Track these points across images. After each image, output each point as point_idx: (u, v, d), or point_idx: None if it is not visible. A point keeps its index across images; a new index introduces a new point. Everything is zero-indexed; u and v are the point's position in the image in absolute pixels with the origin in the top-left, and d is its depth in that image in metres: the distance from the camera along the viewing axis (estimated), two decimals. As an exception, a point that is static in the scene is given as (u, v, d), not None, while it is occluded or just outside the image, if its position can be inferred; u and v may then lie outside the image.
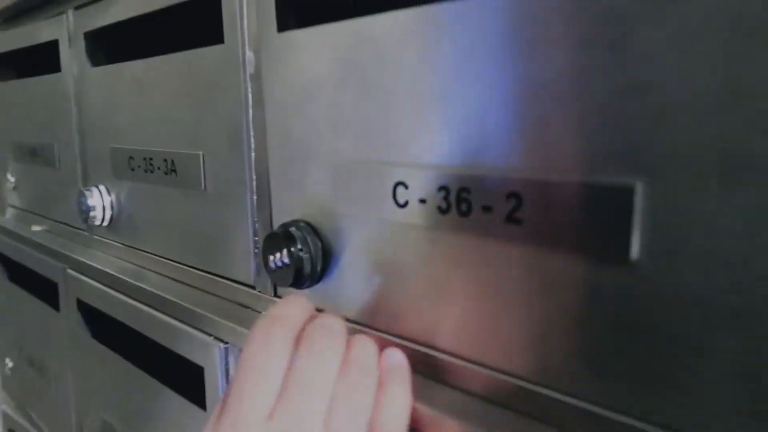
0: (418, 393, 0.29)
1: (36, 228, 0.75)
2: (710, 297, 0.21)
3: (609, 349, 0.24)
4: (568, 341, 0.25)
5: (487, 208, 0.26)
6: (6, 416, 0.89)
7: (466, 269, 0.28)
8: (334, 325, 0.29)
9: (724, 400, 0.21)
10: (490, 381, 0.28)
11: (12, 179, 0.81)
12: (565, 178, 0.24)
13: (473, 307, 0.28)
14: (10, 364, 0.85)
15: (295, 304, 0.30)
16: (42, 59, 0.68)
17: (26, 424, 0.84)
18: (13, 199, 0.82)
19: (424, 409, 0.28)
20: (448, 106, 0.28)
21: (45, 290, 0.70)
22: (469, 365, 0.29)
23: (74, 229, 0.67)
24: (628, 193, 0.22)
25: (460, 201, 0.27)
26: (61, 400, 0.69)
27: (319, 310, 0.33)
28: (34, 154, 0.73)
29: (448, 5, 0.27)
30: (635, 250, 0.22)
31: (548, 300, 0.25)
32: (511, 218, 0.25)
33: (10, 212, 0.84)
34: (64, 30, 0.61)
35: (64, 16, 0.61)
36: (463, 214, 0.27)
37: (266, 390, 0.26)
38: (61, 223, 0.70)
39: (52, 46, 0.64)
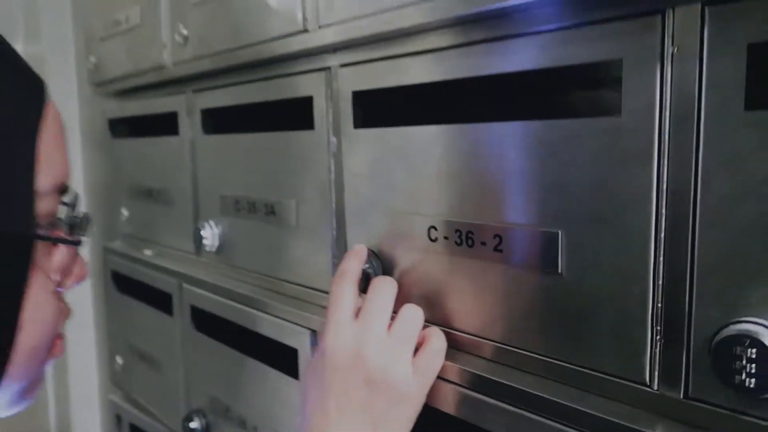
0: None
1: (148, 252, 0.97)
2: (599, 290, 0.39)
3: (550, 323, 0.42)
4: (527, 320, 0.44)
5: (482, 243, 0.45)
6: (114, 404, 1.11)
7: (471, 279, 0.47)
8: (388, 280, 0.49)
9: (608, 348, 0.39)
10: (484, 346, 0.47)
11: (126, 213, 1.03)
12: (523, 227, 0.43)
13: (474, 301, 0.47)
14: (120, 361, 1.07)
15: (354, 257, 0.52)
16: (155, 123, 0.90)
17: (133, 409, 1.04)
18: (125, 229, 1.04)
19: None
20: (459, 184, 0.47)
21: (158, 300, 0.91)
22: (472, 337, 0.48)
23: (184, 253, 0.88)
24: (556, 236, 0.41)
25: (467, 238, 0.46)
26: (171, 384, 0.90)
27: (381, 306, 0.52)
28: (149, 195, 0.94)
29: (458, 126, 0.46)
30: (561, 266, 0.41)
31: (516, 296, 0.44)
32: (496, 248, 0.45)
33: (121, 240, 1.06)
34: (183, 105, 0.83)
35: (184, 95, 0.82)
36: (469, 246, 0.46)
37: (348, 307, 0.48)
38: (171, 248, 0.91)
39: (170, 117, 0.86)
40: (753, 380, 0.32)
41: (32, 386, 0.42)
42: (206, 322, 0.81)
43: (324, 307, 0.61)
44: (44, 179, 0.36)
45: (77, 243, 0.41)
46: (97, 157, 1.10)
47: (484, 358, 0.48)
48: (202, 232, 0.79)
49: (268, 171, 0.69)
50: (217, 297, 0.77)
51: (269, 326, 0.67)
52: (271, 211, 0.69)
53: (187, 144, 0.83)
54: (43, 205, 0.37)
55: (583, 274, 0.40)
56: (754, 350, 0.31)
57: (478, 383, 0.46)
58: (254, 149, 0.71)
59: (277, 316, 0.66)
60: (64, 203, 0.41)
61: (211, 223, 0.79)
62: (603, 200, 0.38)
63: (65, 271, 0.42)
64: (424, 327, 0.50)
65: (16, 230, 0.35)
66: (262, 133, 0.69)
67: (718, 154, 0.33)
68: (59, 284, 0.42)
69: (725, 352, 0.32)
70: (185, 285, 0.84)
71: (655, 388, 0.37)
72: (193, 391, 0.85)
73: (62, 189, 0.39)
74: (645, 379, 0.38)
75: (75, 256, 0.43)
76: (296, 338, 0.63)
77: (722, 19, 0.33)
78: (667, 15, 0.35)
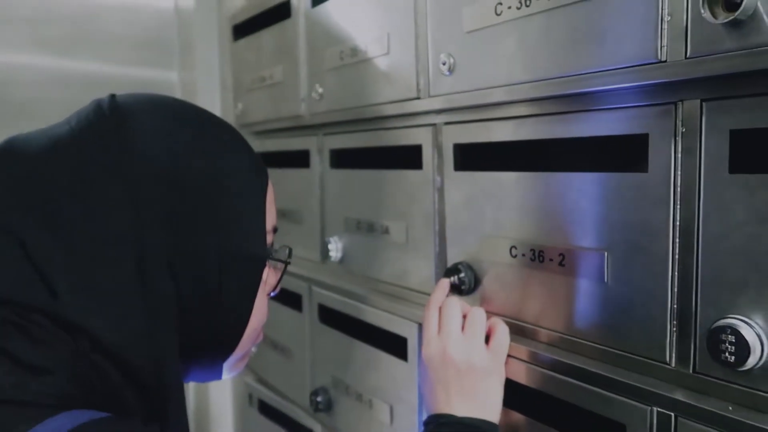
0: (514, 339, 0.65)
1: (279, 260, 1.20)
2: (633, 296, 0.55)
3: (598, 319, 0.58)
4: (581, 316, 0.60)
5: (550, 259, 0.62)
6: (247, 384, 1.35)
7: (541, 286, 0.64)
8: (454, 300, 0.67)
9: (639, 337, 0.55)
10: (550, 335, 0.64)
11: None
12: (581, 248, 0.59)
13: (543, 302, 0.64)
14: (254, 349, 1.30)
15: (439, 289, 0.70)
16: (288, 158, 1.13)
17: (262, 388, 1.28)
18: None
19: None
20: (533, 215, 0.64)
21: (290, 299, 1.13)
22: (540, 329, 0.65)
23: (311, 262, 1.09)
24: (603, 255, 0.57)
25: (539, 256, 0.63)
26: (299, 367, 1.12)
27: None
28: (284, 215, 1.17)
29: (531, 174, 0.63)
30: (606, 278, 0.57)
31: (573, 299, 0.60)
32: (560, 264, 0.61)
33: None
34: (315, 145, 1.05)
35: (316, 137, 1.04)
36: (540, 261, 0.63)
37: (433, 326, 0.67)
38: (301, 258, 1.13)
39: (303, 153, 1.08)
40: (733, 357, 0.47)
41: (244, 358, 0.63)
42: (330, 317, 1.02)
43: (418, 303, 0.80)
44: (268, 223, 0.57)
45: (286, 263, 0.62)
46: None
47: (549, 344, 0.64)
48: (329, 246, 1.00)
49: (383, 199, 0.89)
50: (339, 297, 0.97)
51: (382, 319, 0.87)
52: (386, 231, 0.88)
53: (317, 176, 1.05)
54: (268, 239, 0.57)
55: (622, 284, 0.56)
56: (733, 337, 0.46)
57: (545, 362, 0.62)
58: (372, 182, 0.91)
59: (389, 312, 0.86)
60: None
61: (336, 238, 1.00)
62: (636, 231, 0.54)
63: (274, 285, 0.62)
64: (490, 318, 0.67)
65: (257, 254, 0.55)
66: (380, 170, 0.89)
67: (712, 202, 0.49)
68: (269, 294, 0.62)
69: (715, 338, 0.48)
70: (313, 287, 1.05)
71: (672, 365, 0.53)
72: (318, 372, 1.06)
73: (275, 229, 0.60)
74: (666, 358, 0.53)
75: (281, 275, 0.63)
76: (406, 329, 0.82)
77: (713, 111, 0.48)
78: (678, 106, 0.50)
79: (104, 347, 0.45)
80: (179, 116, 0.54)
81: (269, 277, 0.60)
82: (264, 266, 0.56)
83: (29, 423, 0.39)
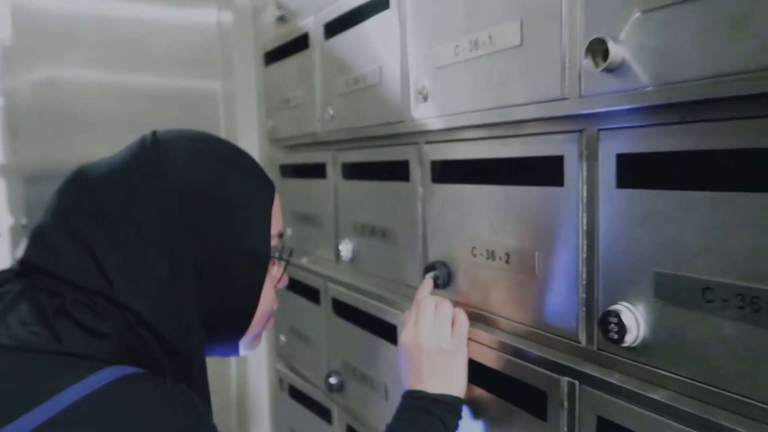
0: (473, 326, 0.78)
1: (303, 260, 1.36)
2: (557, 287, 0.67)
3: (529, 304, 0.71)
4: (518, 301, 0.72)
5: (499, 258, 0.75)
6: (278, 370, 1.52)
7: (494, 280, 0.77)
8: (429, 299, 0.80)
9: (559, 320, 0.67)
10: (496, 320, 0.76)
11: (289, 232, 1.43)
12: (519, 248, 0.71)
13: (496, 293, 0.77)
14: (283, 338, 1.47)
15: (424, 288, 0.83)
16: (310, 169, 1.29)
17: (292, 374, 1.44)
18: (288, 243, 1.44)
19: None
20: (485, 221, 0.77)
21: (310, 293, 1.29)
22: (493, 316, 0.77)
23: (328, 261, 1.25)
24: (534, 254, 0.69)
25: (492, 254, 0.76)
26: (317, 354, 1.27)
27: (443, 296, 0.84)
28: (306, 219, 1.33)
29: (484, 186, 0.76)
30: (538, 270, 0.69)
31: (516, 290, 0.73)
32: (507, 261, 0.74)
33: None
34: (330, 159, 1.20)
35: (330, 152, 1.20)
36: (493, 260, 0.76)
37: (411, 320, 0.79)
38: (319, 257, 1.28)
39: (321, 166, 1.24)
40: (616, 335, 0.58)
41: (256, 339, 0.78)
42: (342, 310, 1.17)
43: (410, 297, 0.94)
44: (274, 229, 0.72)
45: (287, 261, 0.77)
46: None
47: (497, 328, 0.77)
48: (340, 247, 1.15)
49: (382, 207, 1.03)
50: (350, 292, 1.12)
51: (380, 310, 1.01)
52: (383, 234, 1.03)
53: (332, 185, 1.20)
54: (273, 242, 0.73)
55: (548, 277, 0.68)
56: (616, 319, 0.58)
57: (493, 343, 0.75)
58: (374, 191, 1.06)
59: (385, 304, 1.00)
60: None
61: (346, 240, 1.15)
62: (556, 234, 0.66)
63: (278, 278, 0.78)
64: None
65: (262, 253, 0.71)
66: (380, 182, 1.04)
67: (606, 209, 0.61)
68: (275, 285, 0.77)
69: (604, 320, 0.59)
70: (329, 284, 1.20)
71: (583, 343, 0.65)
72: (332, 357, 1.21)
73: (281, 234, 0.75)
74: (577, 338, 0.65)
75: (284, 270, 0.79)
76: (396, 318, 0.96)
77: (606, 138, 0.60)
78: (582, 134, 0.63)
79: (146, 322, 0.60)
80: (204, 148, 0.70)
81: (276, 272, 0.75)
82: (267, 263, 0.71)
83: (92, 370, 0.55)
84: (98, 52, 1.59)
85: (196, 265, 0.64)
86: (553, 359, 0.66)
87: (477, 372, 0.79)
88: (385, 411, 1.01)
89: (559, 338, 0.67)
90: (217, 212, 0.66)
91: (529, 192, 0.70)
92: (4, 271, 0.65)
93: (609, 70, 0.56)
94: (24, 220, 1.72)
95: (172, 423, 0.56)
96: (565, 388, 0.64)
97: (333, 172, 1.20)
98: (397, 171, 0.97)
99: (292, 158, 1.39)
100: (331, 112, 1.13)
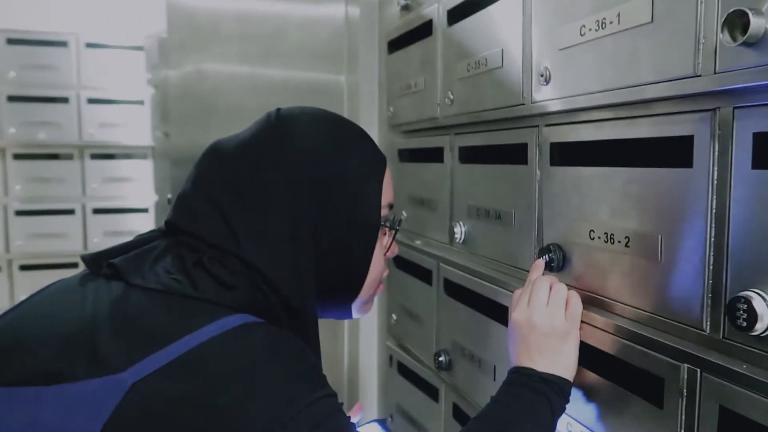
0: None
1: (417, 242, 1.40)
2: (681, 273, 0.65)
3: (652, 291, 0.69)
4: (641, 288, 0.71)
5: (619, 241, 0.74)
6: (388, 347, 1.58)
7: (612, 264, 0.75)
8: (545, 278, 0.81)
9: (682, 307, 0.65)
10: (614, 305, 0.75)
11: (405, 214, 1.48)
12: (640, 232, 0.70)
13: (614, 277, 0.75)
14: (394, 317, 1.53)
15: (535, 270, 0.84)
16: (426, 153, 1.32)
17: (401, 351, 1.49)
18: (404, 225, 1.49)
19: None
20: (606, 204, 0.75)
21: (422, 274, 1.33)
22: (609, 300, 0.76)
23: (440, 243, 1.28)
24: (657, 238, 0.67)
25: (610, 238, 0.75)
26: (427, 333, 1.31)
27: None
28: (421, 203, 1.37)
29: (612, 169, 0.75)
30: (661, 256, 0.67)
31: (636, 275, 0.71)
32: (626, 245, 0.72)
33: (401, 233, 1.51)
34: (448, 143, 1.23)
35: (448, 137, 1.22)
36: (612, 243, 0.75)
37: (524, 299, 0.80)
38: (432, 239, 1.32)
39: (438, 150, 1.27)
40: (745, 323, 0.56)
41: (368, 303, 0.83)
42: (454, 290, 1.20)
43: (522, 279, 0.95)
44: (384, 200, 0.77)
45: (396, 230, 0.82)
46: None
47: (615, 313, 0.75)
48: (455, 229, 1.17)
49: (497, 190, 1.04)
50: (463, 273, 1.14)
51: (491, 291, 1.02)
52: (498, 216, 1.04)
53: (449, 169, 1.23)
54: (383, 212, 0.77)
55: (672, 263, 0.66)
56: (745, 305, 0.56)
57: (610, 327, 0.74)
58: (490, 175, 1.07)
59: (496, 285, 1.01)
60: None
61: (460, 223, 1.17)
62: (682, 217, 0.64)
63: (388, 247, 0.82)
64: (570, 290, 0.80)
65: (373, 222, 0.76)
66: (496, 165, 1.05)
67: (739, 191, 0.58)
68: (385, 254, 0.82)
69: (732, 307, 0.57)
70: (441, 264, 1.24)
71: (707, 331, 0.62)
72: (441, 336, 1.24)
73: (391, 205, 0.80)
74: (702, 326, 0.63)
75: (394, 239, 0.83)
76: (508, 299, 0.97)
77: (742, 116, 0.57)
78: (716, 113, 0.60)
79: (268, 279, 0.67)
80: (322, 121, 0.76)
81: (386, 241, 0.80)
82: (377, 230, 0.75)
83: (222, 314, 0.63)
84: (238, 47, 1.73)
85: (313, 230, 0.70)
86: (674, 345, 0.64)
87: (590, 355, 0.78)
88: (492, 390, 1.02)
89: (680, 324, 0.65)
90: (333, 181, 0.72)
91: (654, 174, 0.68)
92: (154, 230, 0.75)
93: (748, 44, 0.53)
94: (170, 195, 1.93)
95: (290, 366, 0.62)
96: (685, 376, 0.62)
97: (450, 156, 1.22)
98: (515, 154, 0.97)
99: (412, 143, 1.43)
100: (451, 96, 1.16)
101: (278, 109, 0.77)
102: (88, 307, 0.63)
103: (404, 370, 1.49)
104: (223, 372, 0.57)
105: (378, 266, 0.78)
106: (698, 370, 0.61)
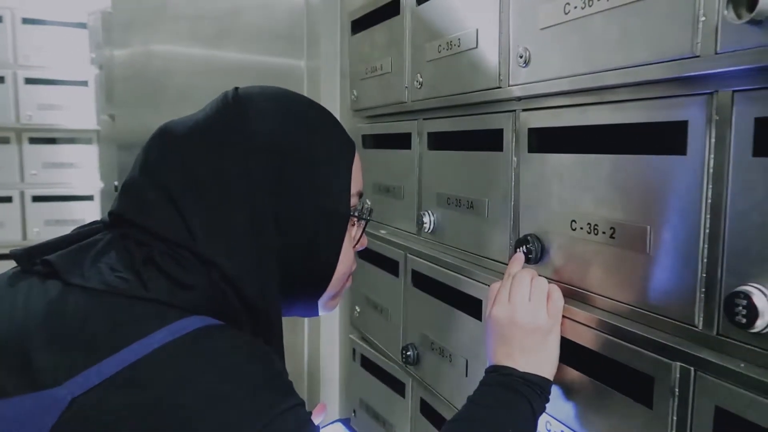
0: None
1: (382, 231, 1.34)
2: (672, 266, 0.62)
3: (640, 285, 0.65)
4: (626, 282, 0.67)
5: (603, 232, 0.70)
6: (351, 340, 1.52)
7: (595, 256, 0.72)
8: (525, 271, 0.76)
9: (673, 302, 0.61)
10: (598, 300, 0.71)
11: (368, 203, 1.42)
12: (627, 222, 0.66)
13: (597, 270, 0.72)
14: (357, 309, 1.47)
15: (515, 263, 0.79)
16: (392, 139, 1.26)
17: (364, 345, 1.44)
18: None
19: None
20: (592, 193, 0.72)
21: (388, 265, 1.27)
22: (589, 293, 0.72)
23: (407, 233, 1.23)
24: (645, 229, 0.64)
25: (595, 229, 0.71)
26: (394, 326, 1.26)
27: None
28: (387, 191, 1.32)
29: (594, 156, 0.71)
30: (649, 249, 0.64)
31: (622, 268, 0.68)
32: (611, 236, 0.69)
33: (365, 222, 1.46)
34: (416, 129, 1.17)
35: (416, 122, 1.17)
36: (595, 234, 0.71)
37: (505, 294, 0.75)
38: (399, 229, 1.27)
39: (406, 136, 1.21)
40: (744, 319, 0.53)
41: (335, 299, 0.77)
42: (421, 281, 1.15)
43: (501, 273, 0.90)
44: (353, 188, 0.71)
45: (366, 221, 0.76)
46: (351, 161, 1.52)
47: (598, 308, 0.72)
48: (424, 218, 1.12)
49: (469, 178, 0.99)
50: (433, 264, 1.10)
51: (463, 283, 0.98)
52: (470, 205, 0.99)
53: (416, 156, 1.18)
54: (352, 201, 0.71)
55: (661, 255, 0.63)
56: (745, 301, 0.53)
57: (593, 322, 0.71)
58: (461, 162, 1.02)
59: (468, 277, 0.97)
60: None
61: (429, 212, 1.12)
62: (674, 207, 0.61)
63: (357, 239, 0.76)
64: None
65: (341, 212, 0.69)
66: (468, 152, 1.00)
67: (738, 180, 0.55)
68: (354, 246, 0.76)
69: (731, 302, 0.54)
70: (409, 255, 1.18)
71: (700, 327, 0.59)
72: (409, 330, 1.20)
73: (360, 194, 0.74)
74: (694, 321, 0.60)
75: (363, 231, 0.77)
76: (482, 292, 0.93)
77: (742, 100, 0.54)
78: (713, 96, 0.56)
79: (227, 277, 0.60)
80: (284, 103, 0.69)
81: (355, 233, 0.74)
82: (347, 221, 0.69)
83: (176, 318, 0.56)
84: (189, 26, 1.62)
85: (276, 222, 0.64)
86: (664, 342, 0.61)
87: (572, 352, 0.75)
88: (464, 386, 0.99)
89: (670, 320, 0.62)
90: (298, 168, 0.65)
91: (644, 161, 0.65)
92: (95, 222, 0.67)
93: (755, 21, 0.49)
94: (116, 182, 1.81)
95: (253, 374, 0.56)
96: (677, 375, 0.59)
97: (418, 142, 1.17)
98: (489, 140, 0.93)
99: (377, 128, 1.37)
100: (420, 79, 1.10)
101: (236, 89, 0.69)
102: (18, 311, 0.55)
103: (368, 364, 1.44)
104: (179, 383, 0.51)
105: (347, 260, 0.72)
106: (692, 368, 0.58)
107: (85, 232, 0.63)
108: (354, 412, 1.53)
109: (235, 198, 0.62)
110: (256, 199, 0.62)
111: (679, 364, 0.59)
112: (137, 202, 0.62)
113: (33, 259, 0.59)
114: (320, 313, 0.76)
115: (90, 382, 0.49)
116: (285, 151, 0.65)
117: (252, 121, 0.65)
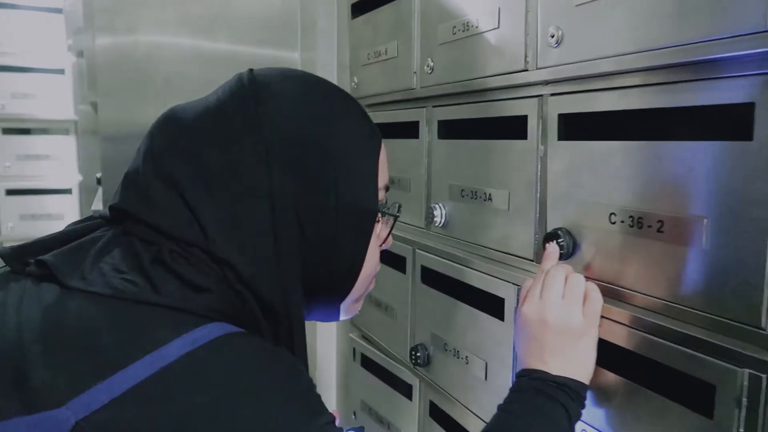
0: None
1: (386, 225, 1.28)
2: (734, 263, 0.56)
3: (696, 285, 0.60)
4: (677, 282, 0.62)
5: (649, 226, 0.64)
6: (351, 339, 1.46)
7: (639, 252, 0.66)
8: (560, 266, 0.71)
9: (737, 304, 0.56)
10: (643, 299, 0.66)
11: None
12: (679, 215, 0.61)
13: (641, 267, 0.66)
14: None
15: (548, 259, 0.74)
16: (397, 128, 1.20)
17: (367, 345, 1.38)
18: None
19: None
20: (633, 183, 0.66)
21: (395, 261, 1.21)
22: (635, 293, 0.67)
23: (415, 227, 1.16)
24: (702, 221, 0.58)
25: (638, 222, 0.66)
26: (402, 325, 1.20)
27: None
28: (392, 182, 1.25)
29: (631, 143, 0.65)
30: (706, 243, 0.58)
31: (672, 265, 0.62)
32: (659, 230, 0.63)
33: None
34: (424, 117, 1.11)
35: (425, 109, 1.10)
36: (639, 228, 0.66)
37: (536, 292, 0.69)
38: (407, 223, 1.20)
39: (413, 124, 1.15)
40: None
41: (357, 302, 0.70)
42: (432, 278, 1.09)
43: (525, 270, 0.85)
44: (380, 181, 0.64)
45: (395, 217, 0.69)
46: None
47: (644, 308, 0.67)
48: (434, 212, 1.06)
49: (487, 168, 0.93)
50: (441, 259, 1.04)
51: (482, 281, 0.92)
52: (488, 198, 0.93)
53: (425, 145, 1.11)
54: (380, 196, 0.65)
55: (721, 250, 0.57)
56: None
57: (640, 324, 0.65)
58: (476, 151, 0.96)
59: (488, 274, 0.91)
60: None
61: (441, 205, 1.06)
62: (737, 198, 0.55)
63: (384, 238, 0.70)
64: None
65: (369, 207, 0.63)
66: (485, 140, 0.94)
67: (818, 170, 0.49)
68: (381, 245, 0.70)
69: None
70: (417, 250, 1.12)
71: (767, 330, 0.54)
72: (418, 329, 1.13)
73: (387, 187, 0.67)
74: (761, 323, 0.54)
75: (390, 229, 0.71)
76: (504, 290, 0.87)
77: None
78: (787, 75, 0.51)
79: (245, 279, 0.54)
80: (306, 86, 0.62)
81: (381, 230, 0.67)
82: (375, 219, 0.63)
83: (193, 325, 0.49)
84: (178, 12, 1.53)
85: (298, 219, 0.57)
86: (727, 347, 0.56)
87: (611, 355, 0.69)
88: (483, 389, 0.93)
89: (733, 323, 0.57)
90: (321, 160, 0.58)
91: (699, 148, 0.59)
92: (91, 217, 0.59)
93: None
94: (99, 175, 1.71)
95: (283, 390, 0.49)
96: (745, 383, 0.54)
97: (427, 131, 1.10)
98: (510, 128, 0.87)
99: (379, 117, 1.30)
100: (432, 63, 1.03)
101: (251, 70, 0.62)
102: (10, 319, 0.47)
103: (370, 364, 1.38)
104: (201, 402, 0.44)
105: (373, 260, 0.65)
106: (765, 376, 0.52)
107: (82, 229, 0.55)
108: (354, 414, 1.47)
109: (251, 192, 0.55)
110: (274, 193, 0.56)
111: (747, 371, 0.53)
112: (142, 196, 0.55)
113: (24, 259, 0.52)
114: (342, 317, 0.70)
115: (97, 401, 0.42)
116: (307, 140, 0.58)
117: (270, 107, 0.58)
